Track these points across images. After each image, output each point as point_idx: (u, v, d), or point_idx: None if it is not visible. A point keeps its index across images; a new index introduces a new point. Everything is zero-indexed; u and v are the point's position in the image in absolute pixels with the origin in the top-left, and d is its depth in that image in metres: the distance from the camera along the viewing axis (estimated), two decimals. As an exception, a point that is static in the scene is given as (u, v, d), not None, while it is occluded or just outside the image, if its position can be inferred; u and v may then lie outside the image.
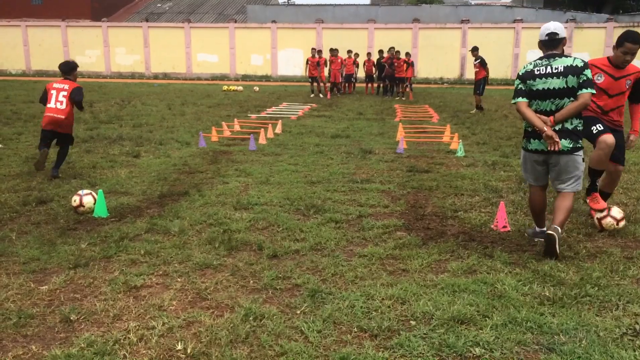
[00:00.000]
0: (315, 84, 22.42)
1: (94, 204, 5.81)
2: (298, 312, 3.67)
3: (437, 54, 33.91)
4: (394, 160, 8.88)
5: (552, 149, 4.61)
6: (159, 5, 47.12)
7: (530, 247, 4.85)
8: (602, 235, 5.19)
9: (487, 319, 3.50)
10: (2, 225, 5.44)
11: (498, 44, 32.85)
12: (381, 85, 23.33)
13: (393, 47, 22.41)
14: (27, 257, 4.55)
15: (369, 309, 3.69)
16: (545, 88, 4.64)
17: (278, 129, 12.12)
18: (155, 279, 4.19)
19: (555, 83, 4.61)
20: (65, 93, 7.61)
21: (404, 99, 20.93)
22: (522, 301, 3.74)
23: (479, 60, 16.50)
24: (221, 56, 36.10)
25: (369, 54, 24.69)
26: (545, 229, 4.99)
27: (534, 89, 4.69)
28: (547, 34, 4.74)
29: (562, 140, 4.60)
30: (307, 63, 22.43)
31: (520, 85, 4.78)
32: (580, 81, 4.56)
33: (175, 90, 24.46)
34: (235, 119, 13.19)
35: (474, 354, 3.11)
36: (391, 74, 21.93)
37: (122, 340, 3.28)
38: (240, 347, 3.22)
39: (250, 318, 3.55)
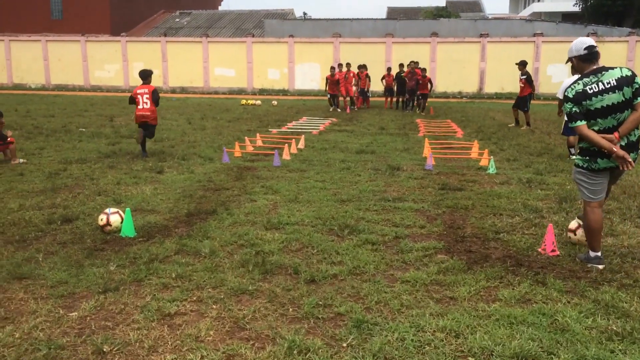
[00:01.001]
0: (334, 99, 22.22)
1: (121, 222, 5.62)
2: (344, 344, 3.42)
3: (455, 67, 33.63)
4: (424, 178, 8.61)
5: (626, 168, 4.41)
6: (177, 20, 47.45)
7: (584, 274, 4.55)
8: (659, 260, 4.88)
9: (553, 356, 3.22)
10: (28, 245, 5.25)
11: (518, 58, 32.29)
12: (400, 99, 23.09)
13: (413, 61, 22.20)
14: (54, 281, 4.35)
15: (421, 343, 3.42)
16: (605, 105, 4.40)
17: (301, 144, 11.92)
18: (189, 306, 3.96)
19: (613, 98, 4.39)
20: (147, 96, 10.30)
21: (423, 113, 20.61)
22: (588, 336, 3.45)
23: (525, 77, 15.86)
24: (238, 70, 36.15)
25: (389, 69, 24.47)
26: (600, 253, 4.70)
27: (592, 108, 4.44)
28: (586, 48, 4.54)
29: (631, 154, 4.45)
30: (326, 81, 22.31)
31: (574, 108, 4.50)
32: (634, 90, 4.41)
33: (194, 105, 24.43)
34: (258, 134, 13.01)
35: (545, 398, 2.83)
36: (412, 87, 21.70)
37: (159, 376, 3.04)
38: (287, 386, 2.96)
39: (295, 352, 3.30)
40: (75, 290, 4.19)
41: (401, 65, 23.18)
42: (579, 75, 4.68)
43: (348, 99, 22.52)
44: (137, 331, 3.56)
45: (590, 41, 4.61)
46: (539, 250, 5.14)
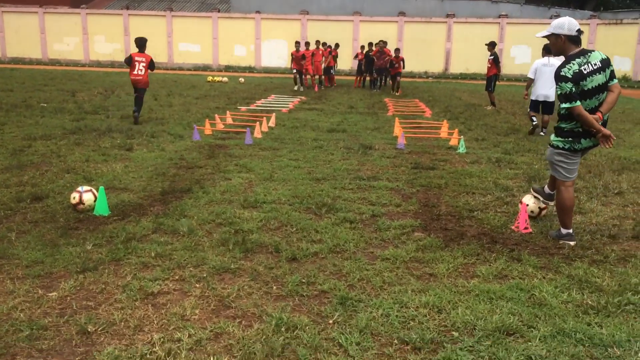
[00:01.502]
0: (299, 76, 22.00)
1: (95, 201, 5.50)
2: (331, 321, 3.46)
3: (422, 47, 33.80)
4: (396, 157, 8.69)
5: (610, 146, 4.57)
6: (138, -8, 46.11)
7: (556, 250, 4.70)
8: (626, 237, 5.07)
9: (533, 329, 3.33)
10: (-2, 223, 5.11)
11: (483, 38, 32.74)
12: (367, 78, 23.10)
13: (382, 40, 22.20)
14: (29, 260, 4.24)
15: (405, 319, 3.49)
16: (594, 86, 4.54)
17: (272, 122, 11.84)
18: (172, 285, 3.93)
19: (599, 79, 4.54)
20: (144, 64, 11.61)
21: (397, 93, 20.63)
22: (564, 310, 3.58)
23: (492, 57, 16.01)
24: (204, 46, 35.51)
25: (362, 47, 24.29)
26: (571, 230, 4.86)
27: (585, 88, 4.54)
28: (578, 30, 4.60)
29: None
30: (291, 57, 22.09)
31: (573, 88, 4.50)
32: (610, 72, 4.60)
33: (158, 81, 23.91)
34: (228, 112, 12.85)
35: (528, 370, 2.93)
36: (380, 67, 21.72)
37: (148, 355, 3.02)
38: (277, 362, 2.99)
39: (282, 329, 3.33)
40: (53, 270, 4.10)
41: (370, 45, 23.14)
42: (556, 56, 4.76)
43: (317, 77, 22.39)
44: (120, 311, 3.52)
45: (577, 22, 4.67)
46: (513, 227, 5.28)
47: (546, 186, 5.36)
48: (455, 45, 33.86)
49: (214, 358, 3.00)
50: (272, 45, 35.30)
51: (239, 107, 15.03)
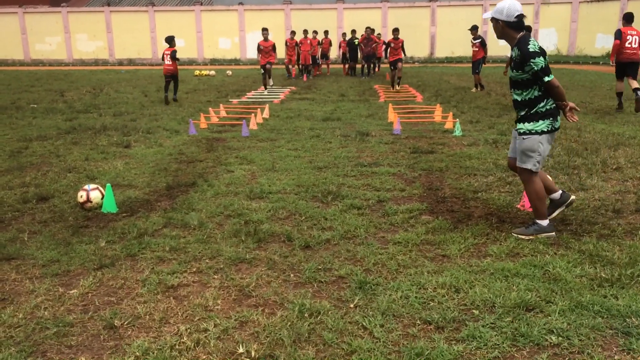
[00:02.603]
0: (291, 66, 21.98)
1: (102, 198, 5.51)
2: (352, 305, 3.51)
3: (406, 32, 33.63)
4: (394, 142, 8.75)
5: (575, 119, 4.56)
6: (119, -12, 45.62)
7: (564, 227, 4.79)
8: (630, 211, 5.17)
9: (551, 304, 3.40)
10: (7, 225, 5.09)
11: (467, 21, 32.85)
12: (359, 66, 23.11)
13: (368, 27, 22.20)
14: (45, 260, 4.25)
15: (425, 299, 3.55)
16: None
17: (266, 114, 11.84)
18: (190, 277, 3.96)
19: (544, 62, 4.50)
20: (169, 55, 14.18)
21: (398, 88, 20.62)
22: (579, 284, 3.66)
23: (479, 40, 16.15)
24: (188, 40, 35.26)
25: (344, 34, 24.33)
26: (560, 210, 4.80)
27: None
28: (517, 16, 4.47)
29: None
30: (286, 45, 22.02)
31: (545, 61, 4.45)
32: None
33: (145, 77, 23.78)
34: (221, 105, 12.83)
35: (551, 343, 3.01)
36: (367, 54, 21.74)
37: (177, 346, 3.06)
38: (306, 347, 3.04)
39: (306, 314, 3.38)
40: (70, 268, 4.12)
41: (353, 32, 23.10)
42: (500, 39, 4.67)
43: (308, 66, 22.35)
44: (144, 304, 3.55)
45: (521, 9, 4.51)
46: (518, 206, 5.36)
47: (550, 197, 4.83)
48: (439, 29, 33.92)
49: (242, 346, 3.05)
50: (256, 37, 34.95)
51: (230, 100, 15.00)
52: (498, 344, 3.02)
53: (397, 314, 3.38)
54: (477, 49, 16.23)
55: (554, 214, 4.77)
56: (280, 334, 3.15)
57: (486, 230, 4.74)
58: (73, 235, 4.78)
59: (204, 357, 2.98)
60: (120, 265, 4.17)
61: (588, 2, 32.39)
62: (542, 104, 4.50)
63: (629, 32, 11.38)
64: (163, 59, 14.30)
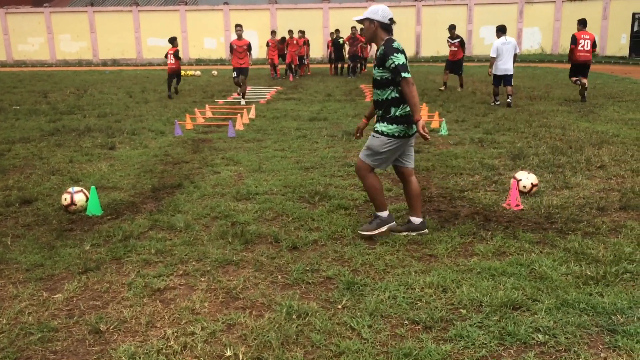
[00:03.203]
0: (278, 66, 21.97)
1: (87, 201, 5.45)
2: (340, 306, 3.51)
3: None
4: (381, 142, 8.74)
5: (427, 136, 4.28)
6: (102, -12, 45.22)
7: (549, 225, 4.82)
8: (614, 209, 5.22)
9: (537, 302, 3.42)
10: (-10, 229, 5.02)
11: (452, 21, 32.99)
12: (339, 65, 23.11)
13: (354, 27, 22.21)
14: (29, 264, 4.20)
15: (412, 299, 3.56)
16: None
17: (252, 114, 11.81)
18: (177, 280, 3.93)
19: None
20: (172, 55, 15.54)
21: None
22: (565, 282, 3.69)
23: (458, 40, 16.10)
24: (173, 40, 35.01)
25: (331, 34, 24.32)
26: (389, 212, 4.75)
27: None
28: (390, 18, 4.55)
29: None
30: (267, 45, 22.00)
31: (407, 61, 4.46)
32: None
33: (130, 77, 23.60)
34: (207, 105, 12.76)
35: (538, 341, 3.02)
36: (353, 53, 21.76)
37: (164, 350, 3.03)
38: (294, 349, 3.03)
39: (294, 316, 3.36)
40: (54, 272, 4.07)
41: (337, 31, 23.10)
42: (370, 42, 4.68)
43: (292, 65, 22.33)
44: (129, 308, 3.51)
45: (391, 13, 4.60)
46: (504, 205, 5.39)
47: (410, 218, 4.78)
48: (425, 28, 34.03)
49: (230, 349, 3.03)
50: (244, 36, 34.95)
51: (216, 101, 14.93)
52: (485, 343, 3.03)
53: (385, 315, 3.38)
54: (456, 49, 16.18)
55: (401, 233, 4.72)
56: (268, 336, 3.14)
57: (473, 229, 4.76)
58: (57, 239, 4.73)
59: (192, 360, 2.95)
60: (105, 268, 4.13)
61: (571, 1, 32.70)
62: (396, 109, 4.50)
63: (582, 36, 12.66)
64: (167, 57, 15.68)
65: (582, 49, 12.71)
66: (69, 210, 5.43)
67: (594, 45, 12.73)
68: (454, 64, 16.30)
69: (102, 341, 3.16)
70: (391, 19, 4.55)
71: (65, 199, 5.45)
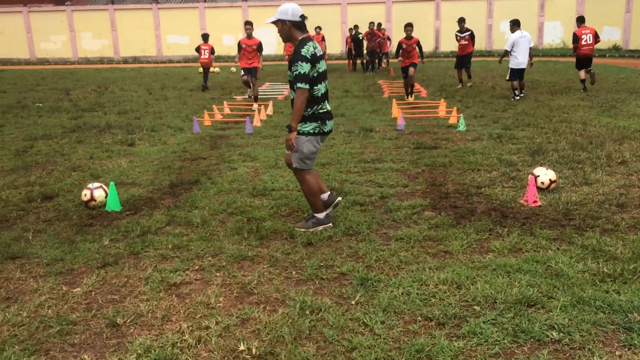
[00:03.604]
0: None
1: (106, 197, 5.53)
2: (353, 302, 3.52)
3: (411, 27, 33.62)
4: (398, 138, 8.73)
5: (291, 149, 4.60)
6: (123, -14, 45.65)
7: (567, 222, 4.77)
8: (634, 205, 5.14)
9: (553, 300, 3.40)
10: (12, 224, 5.13)
11: (471, 15, 32.69)
12: (359, 61, 23.04)
13: (372, 22, 22.13)
14: (49, 258, 4.28)
15: (426, 296, 3.56)
16: (324, 69, 4.63)
17: (269, 110, 11.85)
18: (192, 275, 3.98)
19: (325, 65, 4.64)
20: (207, 50, 17.15)
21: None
22: (582, 279, 3.65)
23: (468, 33, 15.67)
24: (192, 37, 35.14)
25: (350, 30, 24.23)
26: (328, 211, 4.87)
27: (320, 71, 4.57)
28: (301, 15, 4.58)
29: (330, 121, 4.77)
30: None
31: (310, 70, 4.45)
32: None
33: (150, 74, 23.81)
34: (225, 102, 12.83)
35: (552, 339, 3.01)
36: (371, 49, 21.68)
37: (179, 344, 3.08)
38: (306, 344, 3.05)
39: (307, 312, 3.39)
40: (73, 267, 4.15)
41: (356, 27, 23.02)
42: (285, 42, 4.70)
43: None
44: (146, 302, 3.57)
45: (301, 9, 4.61)
46: (521, 202, 5.35)
47: (326, 195, 4.96)
48: (444, 23, 33.74)
49: (243, 343, 3.06)
50: (261, 33, 34.96)
51: (234, 97, 15.01)
52: (499, 340, 3.02)
53: (398, 311, 3.39)
54: (466, 42, 15.64)
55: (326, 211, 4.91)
56: (281, 331, 3.17)
57: (489, 226, 4.74)
58: (77, 234, 4.81)
59: (205, 354, 2.99)
60: (123, 263, 4.19)
61: (594, -6, 32.14)
62: (309, 108, 4.58)
63: (583, 32, 13.61)
64: (199, 52, 17.20)
65: (585, 43, 13.56)
66: (89, 206, 5.52)
67: (596, 36, 13.51)
68: (464, 58, 15.75)
69: (118, 334, 3.22)
70: (302, 16, 4.59)
71: (85, 195, 5.54)
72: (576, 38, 13.63)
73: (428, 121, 10.34)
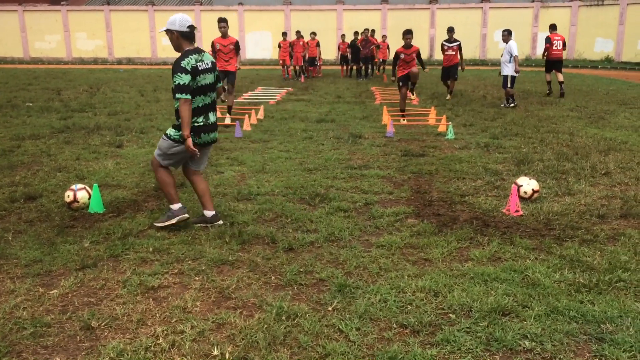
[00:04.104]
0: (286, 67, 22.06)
1: (89, 199, 5.51)
2: (330, 308, 3.53)
3: (406, 35, 33.76)
4: (386, 145, 8.76)
5: (193, 153, 4.69)
6: (119, -13, 45.63)
7: (547, 232, 4.80)
8: (614, 216, 5.18)
9: (527, 309, 3.42)
10: (-7, 224, 5.11)
11: (466, 24, 32.95)
12: (354, 67, 23.11)
13: (367, 29, 22.22)
14: (28, 259, 4.27)
15: (403, 303, 3.57)
16: (206, 83, 4.74)
17: (260, 115, 11.86)
18: (171, 279, 3.98)
19: (210, 78, 4.79)
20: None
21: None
22: (557, 289, 3.67)
23: (457, 43, 15.33)
24: (187, 40, 35.25)
25: (342, 36, 24.38)
26: (181, 205, 4.96)
27: (200, 84, 4.68)
28: (189, 26, 4.70)
29: (212, 134, 4.98)
30: (279, 47, 22.07)
31: (190, 82, 4.57)
32: (216, 76, 4.91)
33: (143, 76, 23.79)
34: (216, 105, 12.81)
35: (524, 347, 3.02)
36: (365, 55, 21.76)
37: (152, 348, 3.07)
38: (280, 350, 3.05)
39: (283, 317, 3.39)
40: (52, 268, 4.13)
41: (355, 33, 23.13)
42: (177, 51, 4.79)
43: (296, 67, 22.41)
44: (122, 305, 3.56)
45: (191, 21, 4.77)
46: (504, 211, 5.37)
47: (204, 212, 5.09)
48: (439, 31, 33.88)
49: (217, 348, 3.06)
50: (256, 37, 35.15)
51: (223, 100, 14.99)
52: (472, 349, 3.03)
53: (374, 318, 3.39)
54: (453, 53, 15.20)
55: (198, 224, 5.03)
56: (255, 337, 3.17)
57: (470, 234, 4.76)
58: (58, 235, 4.79)
59: (178, 359, 2.99)
60: (102, 265, 4.18)
61: (587, 6, 32.42)
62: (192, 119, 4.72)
63: (554, 37, 15.41)
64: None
65: (555, 49, 15.32)
66: (72, 208, 5.50)
67: (564, 45, 15.53)
68: (450, 69, 15.30)
69: (92, 337, 3.20)
70: (190, 27, 4.70)
71: (68, 196, 5.52)
72: (548, 39, 15.30)
73: (418, 129, 10.38)
